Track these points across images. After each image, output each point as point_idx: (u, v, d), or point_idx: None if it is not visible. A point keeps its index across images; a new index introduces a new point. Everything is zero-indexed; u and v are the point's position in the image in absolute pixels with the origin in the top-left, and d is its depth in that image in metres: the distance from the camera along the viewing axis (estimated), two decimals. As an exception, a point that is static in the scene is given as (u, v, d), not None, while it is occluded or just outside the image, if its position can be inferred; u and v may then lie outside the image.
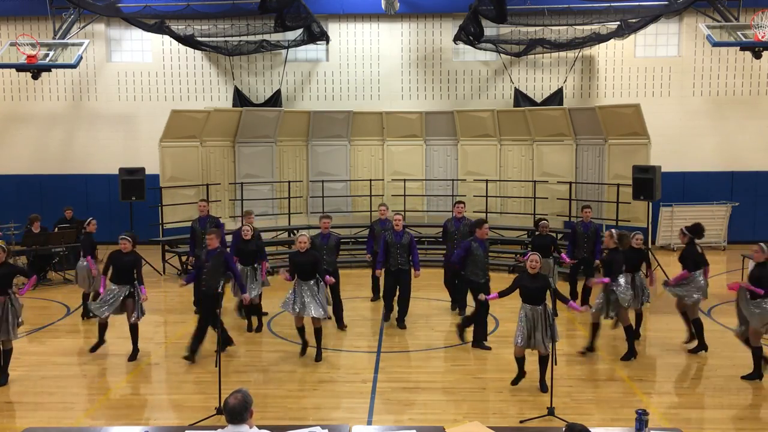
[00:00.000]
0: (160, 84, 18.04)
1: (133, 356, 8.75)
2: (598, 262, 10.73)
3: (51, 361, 8.72)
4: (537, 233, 11.01)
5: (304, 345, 8.80)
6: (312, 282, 8.59)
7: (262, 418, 6.34)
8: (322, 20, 17.01)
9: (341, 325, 10.15)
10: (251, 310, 10.12)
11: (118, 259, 8.72)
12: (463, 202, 11.27)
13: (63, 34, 15.99)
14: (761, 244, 7.88)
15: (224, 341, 8.78)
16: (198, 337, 8.61)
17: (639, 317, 9.34)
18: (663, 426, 6.51)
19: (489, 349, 8.95)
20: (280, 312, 10.78)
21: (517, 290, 7.64)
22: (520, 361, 7.69)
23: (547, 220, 11.17)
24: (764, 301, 7.62)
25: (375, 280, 11.50)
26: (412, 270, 10.06)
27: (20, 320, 8.04)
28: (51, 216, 15.20)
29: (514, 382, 7.68)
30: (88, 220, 10.78)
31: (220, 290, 7.96)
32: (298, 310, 8.50)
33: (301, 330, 8.74)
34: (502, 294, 7.80)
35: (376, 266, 10.26)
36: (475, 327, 9.04)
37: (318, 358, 8.65)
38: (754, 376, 7.78)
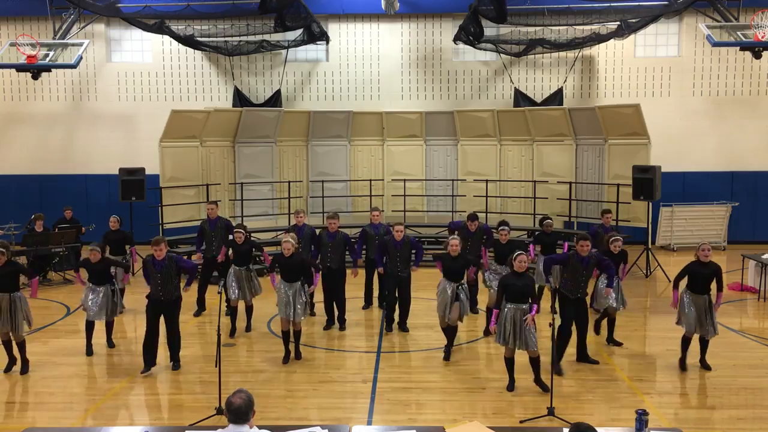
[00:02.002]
0: (160, 84, 18.05)
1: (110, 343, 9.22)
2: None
3: (51, 361, 8.72)
4: (543, 232, 11.08)
5: (288, 353, 8.68)
6: (297, 284, 8.56)
7: (262, 418, 6.35)
8: (322, 20, 17.01)
9: (342, 326, 10.15)
10: (242, 313, 10.10)
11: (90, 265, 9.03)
12: (477, 217, 10.63)
13: (63, 34, 15.98)
14: None
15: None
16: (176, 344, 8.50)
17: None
18: (663, 426, 6.52)
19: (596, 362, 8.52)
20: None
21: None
22: (510, 363, 7.58)
23: (551, 219, 11.28)
24: None
25: (369, 286, 11.29)
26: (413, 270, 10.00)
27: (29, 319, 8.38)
28: (51, 216, 15.21)
29: (509, 388, 7.58)
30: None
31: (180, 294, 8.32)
32: (286, 313, 8.52)
33: (286, 334, 8.66)
34: (497, 307, 7.58)
35: (377, 266, 10.14)
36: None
37: (297, 356, 8.70)
38: None
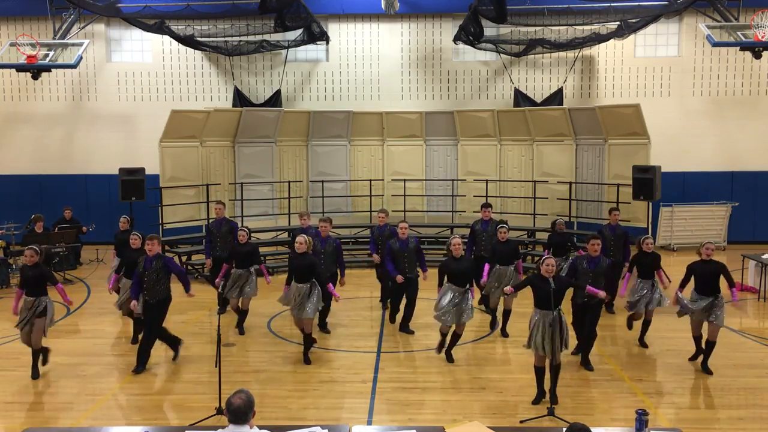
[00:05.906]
0: (160, 84, 18.05)
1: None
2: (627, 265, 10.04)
3: (51, 360, 8.71)
4: (555, 231, 11.11)
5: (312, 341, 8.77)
6: (307, 285, 8.47)
7: (262, 418, 6.35)
8: (322, 20, 17.01)
9: (325, 329, 9.96)
10: (241, 314, 10.02)
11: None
12: (491, 205, 11.30)
13: (63, 34, 15.98)
14: None
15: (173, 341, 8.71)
16: (147, 348, 8.34)
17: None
18: (663, 426, 6.52)
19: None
20: (280, 312, 10.81)
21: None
22: (540, 373, 7.16)
23: (562, 219, 11.33)
24: None
25: (386, 289, 10.92)
26: (421, 273, 9.90)
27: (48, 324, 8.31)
28: (51, 216, 15.21)
29: (535, 401, 7.17)
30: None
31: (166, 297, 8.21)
32: (296, 313, 8.51)
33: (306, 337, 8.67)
34: (517, 288, 7.61)
35: (391, 274, 9.67)
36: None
37: (306, 360, 8.71)
38: None
